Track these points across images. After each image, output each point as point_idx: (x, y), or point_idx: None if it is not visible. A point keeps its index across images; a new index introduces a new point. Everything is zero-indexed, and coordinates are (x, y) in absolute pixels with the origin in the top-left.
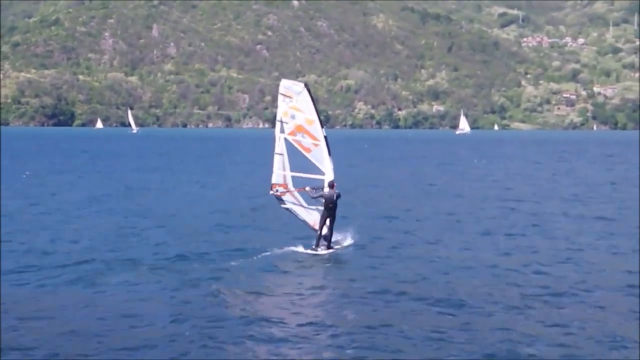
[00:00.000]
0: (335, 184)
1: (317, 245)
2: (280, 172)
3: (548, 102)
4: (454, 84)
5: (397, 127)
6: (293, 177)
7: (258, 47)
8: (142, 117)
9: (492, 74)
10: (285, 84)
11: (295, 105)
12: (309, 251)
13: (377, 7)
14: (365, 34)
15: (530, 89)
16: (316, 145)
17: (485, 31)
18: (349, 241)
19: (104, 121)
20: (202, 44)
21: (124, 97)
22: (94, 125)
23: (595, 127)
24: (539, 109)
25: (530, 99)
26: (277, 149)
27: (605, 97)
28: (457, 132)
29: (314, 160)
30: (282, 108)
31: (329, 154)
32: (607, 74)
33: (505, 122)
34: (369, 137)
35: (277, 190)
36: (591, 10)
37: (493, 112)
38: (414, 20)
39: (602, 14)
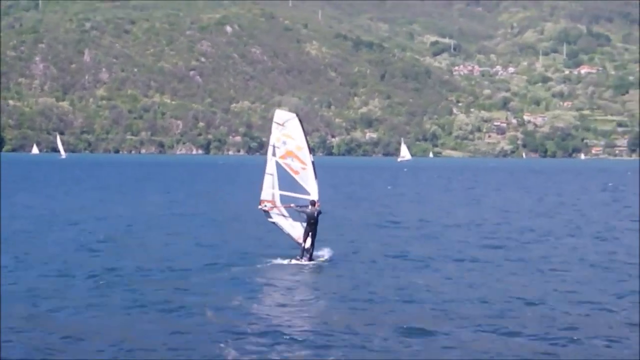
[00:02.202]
0: (318, 203)
1: (302, 257)
2: (270, 190)
3: (479, 129)
4: (387, 112)
5: (330, 154)
6: (281, 196)
7: (191, 73)
8: (74, 142)
9: (424, 102)
10: (279, 114)
11: (287, 132)
12: (293, 261)
13: (310, 34)
14: (299, 61)
15: (461, 117)
16: (304, 168)
17: (418, 59)
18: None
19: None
20: (135, 70)
21: (54, 122)
22: (29, 151)
23: (524, 155)
24: (470, 136)
25: (462, 127)
26: (268, 169)
27: (535, 125)
28: (399, 159)
29: (301, 182)
30: (275, 134)
31: (315, 177)
32: (537, 102)
33: (437, 149)
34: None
35: (265, 206)
36: (521, 40)
37: (425, 139)
38: (347, 48)
39: (532, 44)
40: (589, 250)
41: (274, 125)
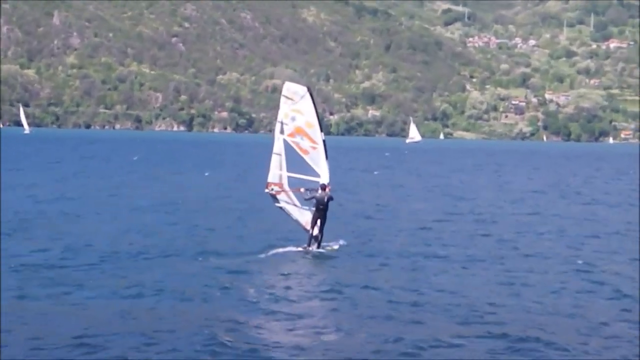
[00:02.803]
0: (328, 187)
1: (309, 245)
2: (277, 171)
3: (495, 109)
4: (392, 87)
5: (328, 133)
6: (289, 178)
7: (173, 39)
8: (40, 116)
9: (434, 77)
10: (288, 87)
11: (296, 107)
12: (300, 249)
13: None
14: (294, 28)
15: (475, 94)
16: (314, 148)
17: (428, 29)
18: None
19: None
20: (110, 35)
21: (18, 92)
22: None
23: (545, 138)
24: (485, 116)
25: (476, 106)
26: (275, 149)
27: (558, 105)
28: (408, 140)
29: (310, 163)
30: (284, 110)
31: (326, 157)
32: (560, 79)
33: (447, 130)
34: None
35: (272, 189)
36: (543, 9)
37: (435, 119)
38: (349, 15)
39: (556, 14)
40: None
41: (282, 100)
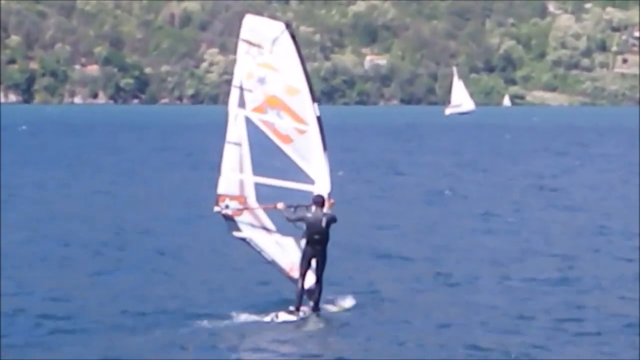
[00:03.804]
0: (330, 201)
1: (299, 306)
2: (235, 175)
3: (603, 47)
4: (407, 12)
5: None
6: (257, 185)
7: None
8: None
9: None
10: (251, 24)
11: (267, 60)
12: (284, 316)
13: None
14: None
15: (565, 19)
16: (302, 132)
17: None
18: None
19: None
20: None
21: None
22: None
23: None
24: (585, 61)
25: (567, 43)
26: (230, 136)
27: None
28: (449, 110)
29: (295, 158)
30: (245, 65)
31: (324, 147)
32: None
33: (514, 89)
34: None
35: (226, 207)
36: None
37: (490, 69)
38: None
39: None
40: None
41: (241, 47)
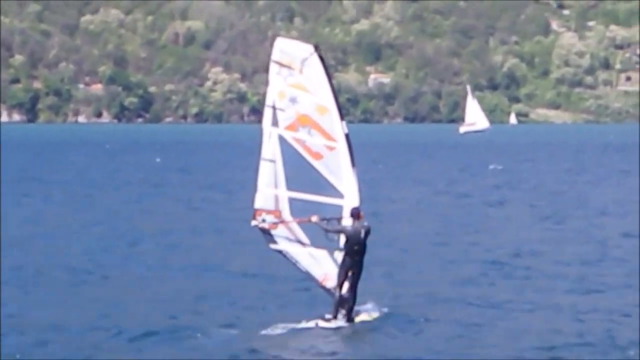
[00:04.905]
0: (362, 213)
1: (336, 314)
2: (270, 190)
3: (606, 64)
4: (412, 30)
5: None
6: (291, 200)
7: None
8: None
9: (490, 7)
10: (282, 47)
11: (298, 81)
12: (319, 324)
13: None
14: None
15: (569, 38)
16: (331, 148)
17: None
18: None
19: None
20: None
21: None
22: None
23: None
24: (588, 79)
25: (570, 60)
26: (265, 153)
27: None
28: (463, 129)
29: (326, 174)
30: (277, 86)
31: (352, 164)
32: None
33: (518, 107)
34: None
35: (263, 220)
36: None
37: (494, 86)
38: None
39: None
40: None
41: (272, 68)
